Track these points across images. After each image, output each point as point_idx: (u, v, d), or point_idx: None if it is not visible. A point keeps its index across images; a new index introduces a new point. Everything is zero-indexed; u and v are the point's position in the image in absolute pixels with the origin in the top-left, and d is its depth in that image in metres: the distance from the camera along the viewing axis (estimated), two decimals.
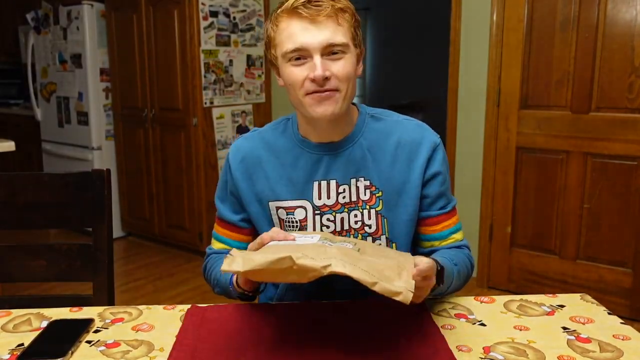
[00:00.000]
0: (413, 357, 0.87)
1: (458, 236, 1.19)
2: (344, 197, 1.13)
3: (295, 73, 1.04)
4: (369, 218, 1.14)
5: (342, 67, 1.03)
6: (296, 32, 1.02)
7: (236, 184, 1.17)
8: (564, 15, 2.64)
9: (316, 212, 1.13)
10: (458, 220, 1.20)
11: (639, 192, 2.57)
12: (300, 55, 1.03)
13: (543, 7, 2.69)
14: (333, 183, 1.13)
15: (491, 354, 0.89)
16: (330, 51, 1.02)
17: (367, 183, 1.13)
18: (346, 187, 1.13)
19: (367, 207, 1.13)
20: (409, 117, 1.19)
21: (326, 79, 1.02)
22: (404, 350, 0.89)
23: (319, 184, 1.13)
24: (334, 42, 1.02)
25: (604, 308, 1.06)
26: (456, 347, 0.91)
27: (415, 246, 1.21)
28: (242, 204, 1.18)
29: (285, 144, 1.16)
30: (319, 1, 1.01)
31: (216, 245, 1.24)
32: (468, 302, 1.09)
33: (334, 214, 1.13)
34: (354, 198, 1.13)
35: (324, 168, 1.13)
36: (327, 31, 1.01)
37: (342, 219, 1.13)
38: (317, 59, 1.01)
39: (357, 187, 1.13)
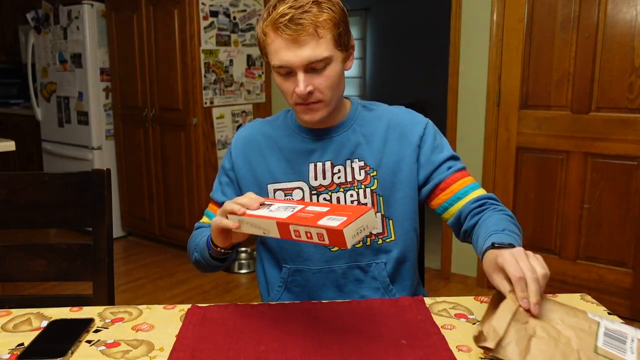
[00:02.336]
0: (413, 357, 0.87)
1: (478, 192, 1.19)
2: (339, 178, 1.19)
3: (284, 84, 1.11)
4: (365, 197, 1.18)
5: (325, 79, 1.09)
6: (280, 49, 1.07)
7: (236, 170, 1.24)
8: (564, 15, 2.64)
9: (313, 192, 1.19)
10: (474, 181, 1.21)
11: (639, 192, 2.57)
12: (286, 70, 1.09)
13: (543, 7, 2.69)
14: (328, 164, 1.19)
15: (491, 354, 0.89)
16: (312, 66, 1.07)
17: (362, 164, 1.19)
18: (341, 167, 1.19)
19: (363, 186, 1.18)
20: (398, 105, 1.28)
21: (309, 93, 1.08)
22: (404, 350, 0.89)
23: (315, 165, 1.19)
24: (315, 59, 1.06)
25: (604, 308, 1.06)
26: (456, 347, 0.91)
27: (446, 222, 1.22)
28: (237, 188, 1.25)
29: (283, 130, 1.24)
30: (300, 18, 1.04)
31: (204, 220, 1.31)
32: (468, 302, 1.09)
33: (330, 193, 1.19)
34: (349, 178, 1.19)
35: (319, 151, 1.20)
36: (308, 49, 1.05)
37: (338, 199, 1.19)
38: (300, 75, 1.07)
39: (352, 168, 1.19)
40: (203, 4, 3.31)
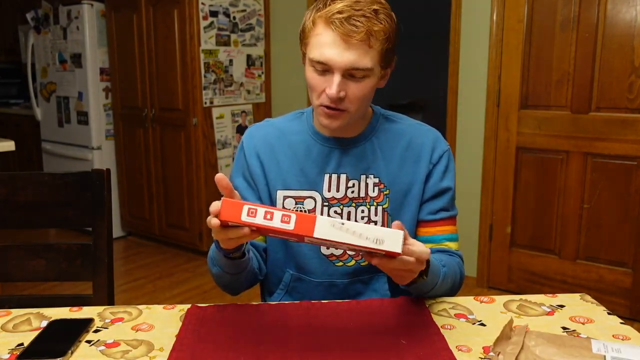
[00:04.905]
0: (413, 357, 0.87)
1: (452, 245, 1.19)
2: (352, 192, 1.16)
3: (316, 80, 1.06)
4: (376, 214, 1.16)
5: (358, 90, 1.05)
6: (325, 44, 1.02)
7: (250, 169, 1.19)
8: (564, 15, 2.64)
9: (325, 203, 1.16)
10: (456, 231, 1.21)
11: (639, 192, 2.57)
12: (323, 67, 1.04)
13: (543, 7, 2.69)
14: (343, 177, 1.16)
15: (491, 354, 0.89)
16: (352, 73, 1.03)
17: (376, 180, 1.16)
18: (356, 182, 1.16)
19: (375, 203, 1.16)
20: (421, 122, 1.23)
21: (340, 98, 1.04)
22: (404, 350, 0.89)
23: (330, 177, 1.16)
24: (358, 66, 1.02)
25: (604, 308, 1.06)
26: (456, 347, 0.91)
27: None
28: (256, 191, 1.19)
29: (299, 135, 1.19)
30: (357, 21, 1.00)
31: None
32: (468, 302, 1.09)
33: (341, 207, 1.16)
34: (362, 194, 1.16)
35: (335, 161, 1.16)
36: (355, 54, 1.01)
37: (349, 213, 1.16)
38: (336, 77, 1.02)
39: (367, 184, 1.16)
40: (203, 4, 3.31)
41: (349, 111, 1.06)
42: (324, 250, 1.17)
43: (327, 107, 1.06)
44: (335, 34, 1.01)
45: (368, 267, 1.17)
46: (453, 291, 1.16)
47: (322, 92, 1.05)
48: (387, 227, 1.14)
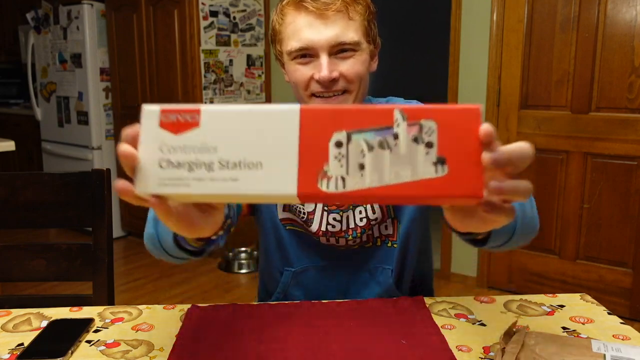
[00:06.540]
0: (413, 357, 0.87)
1: None
2: None
3: (300, 72, 0.96)
4: (374, 212, 1.10)
5: (351, 66, 0.94)
6: (302, 28, 0.92)
7: None
8: (564, 15, 2.64)
9: (325, 208, 1.10)
10: None
11: (639, 192, 2.57)
12: (306, 53, 0.94)
13: (543, 7, 2.69)
14: None
15: (491, 354, 0.89)
16: (339, 49, 0.93)
17: None
18: None
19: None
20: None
21: (333, 80, 0.94)
22: (403, 350, 0.89)
23: None
24: (343, 40, 0.92)
25: (604, 308, 1.06)
26: (456, 347, 0.91)
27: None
28: None
29: None
30: None
31: None
32: (468, 302, 1.09)
33: (340, 213, 1.11)
34: None
35: None
36: (336, 28, 0.92)
37: (347, 217, 1.11)
38: (323, 58, 0.92)
39: None
40: (203, 4, 3.31)
41: (349, 91, 0.95)
42: (322, 240, 1.13)
43: (321, 96, 0.95)
44: (308, 14, 0.92)
45: (373, 250, 1.13)
46: (531, 231, 0.94)
47: (310, 80, 0.94)
48: (387, 213, 1.09)
